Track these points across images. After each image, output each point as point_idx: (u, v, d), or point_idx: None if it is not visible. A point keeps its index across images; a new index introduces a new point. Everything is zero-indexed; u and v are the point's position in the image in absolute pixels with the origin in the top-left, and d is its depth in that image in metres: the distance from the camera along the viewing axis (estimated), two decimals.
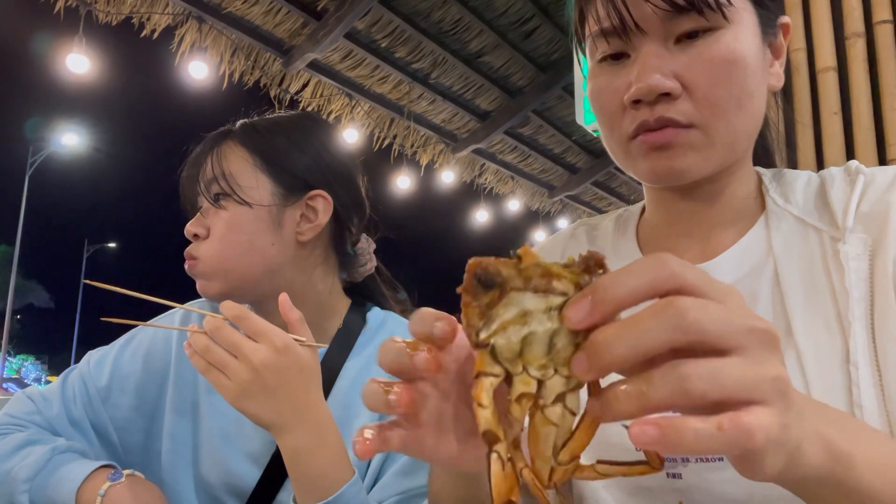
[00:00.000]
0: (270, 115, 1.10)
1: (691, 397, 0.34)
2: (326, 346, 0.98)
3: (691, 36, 0.64)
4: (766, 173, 0.76)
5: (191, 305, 1.14)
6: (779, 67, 0.72)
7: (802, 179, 0.74)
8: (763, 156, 0.81)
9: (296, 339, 0.83)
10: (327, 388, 0.99)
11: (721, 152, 0.67)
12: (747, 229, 0.72)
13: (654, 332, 0.34)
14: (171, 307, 1.08)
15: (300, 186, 1.02)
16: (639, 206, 0.85)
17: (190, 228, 1.01)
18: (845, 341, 0.61)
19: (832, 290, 0.64)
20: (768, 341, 0.36)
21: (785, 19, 0.73)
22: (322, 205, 1.03)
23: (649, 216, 0.81)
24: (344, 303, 1.10)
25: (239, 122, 1.07)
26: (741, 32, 0.65)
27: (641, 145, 0.67)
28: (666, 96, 0.64)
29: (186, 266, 1.01)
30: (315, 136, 1.07)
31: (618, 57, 0.68)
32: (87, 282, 0.94)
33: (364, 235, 1.12)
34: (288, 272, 1.02)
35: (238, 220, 0.99)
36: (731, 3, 0.64)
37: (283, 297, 0.85)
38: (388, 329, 1.08)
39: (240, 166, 1.01)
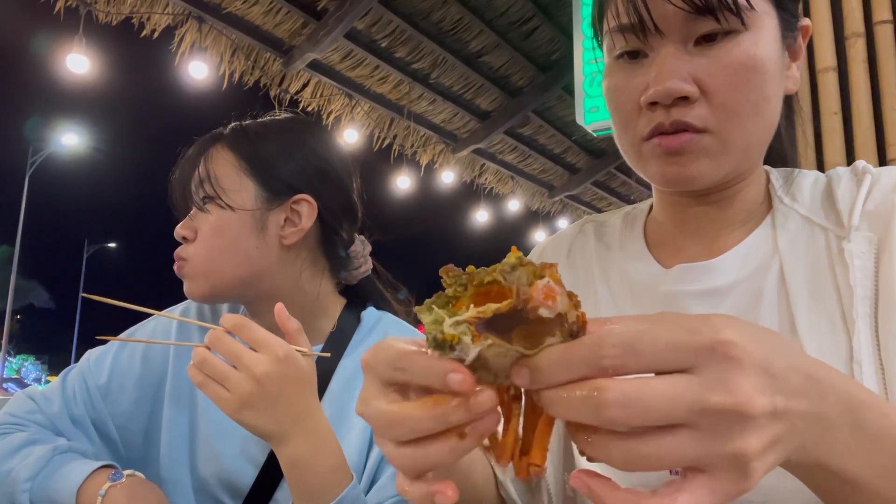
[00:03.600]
0: (262, 118, 1.10)
1: (638, 469, 0.36)
2: (328, 354, 0.99)
3: (710, 38, 0.64)
4: (774, 172, 0.76)
5: (187, 308, 1.14)
6: (795, 70, 0.71)
7: (810, 179, 0.73)
8: (777, 157, 0.81)
9: (298, 350, 0.82)
10: (320, 389, 0.99)
11: (734, 158, 0.67)
12: (755, 228, 0.72)
13: (582, 415, 0.36)
14: (168, 317, 1.09)
15: (284, 191, 1.02)
16: (647, 203, 0.84)
17: (179, 231, 1.02)
18: (849, 339, 0.61)
19: (837, 289, 0.64)
20: (729, 416, 0.35)
21: (805, 22, 0.72)
22: (306, 209, 1.03)
23: (657, 215, 0.81)
24: (337, 304, 1.10)
25: (229, 126, 1.07)
26: (761, 37, 0.64)
27: (655, 148, 0.66)
28: (683, 100, 0.64)
29: (175, 267, 1.02)
30: (304, 139, 1.07)
31: (635, 55, 0.68)
32: (86, 295, 0.95)
33: (360, 237, 1.12)
34: (273, 275, 1.02)
35: (222, 224, 0.99)
36: (752, 8, 0.63)
37: (280, 308, 0.84)
38: (381, 329, 1.08)
39: (225, 170, 1.01)
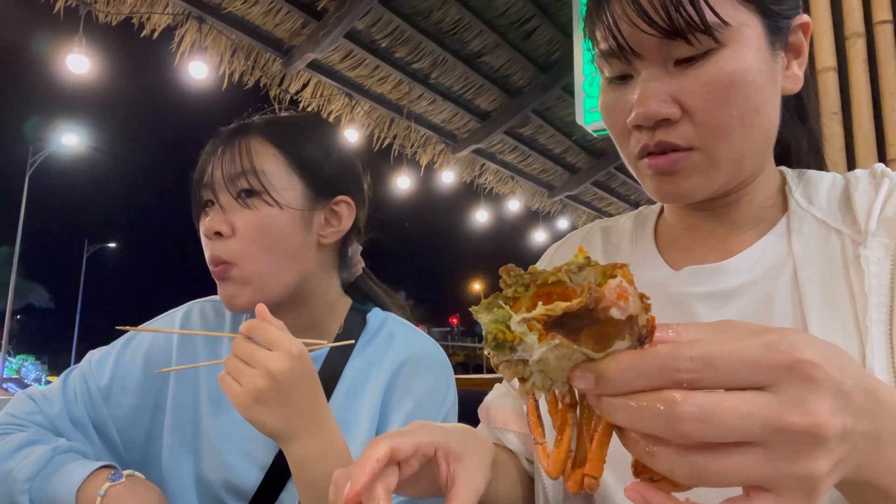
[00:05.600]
0: (288, 114, 1.11)
1: (702, 485, 0.35)
2: (353, 341, 0.99)
3: (690, 58, 0.64)
4: (790, 174, 0.75)
5: (189, 309, 1.13)
6: (797, 69, 0.71)
7: (827, 181, 0.73)
8: (792, 158, 0.80)
9: (309, 343, 0.83)
10: (328, 389, 0.99)
11: (727, 171, 0.67)
12: (768, 230, 0.72)
13: (652, 427, 0.36)
14: (199, 333, 1.08)
15: (327, 191, 1.03)
16: (658, 205, 0.85)
17: (212, 226, 0.95)
18: (862, 346, 0.60)
19: (851, 294, 0.63)
20: (803, 437, 0.35)
21: (803, 18, 0.70)
22: (345, 210, 1.04)
23: (668, 217, 0.81)
24: (344, 304, 1.10)
25: (261, 118, 1.06)
26: (740, 50, 0.63)
27: (647, 168, 0.68)
28: (665, 121, 0.64)
29: (218, 270, 0.95)
30: (335, 139, 1.09)
31: (622, 76, 0.68)
32: (120, 327, 0.99)
33: None
34: (309, 275, 1.02)
35: (272, 222, 0.96)
36: (726, 24, 0.62)
37: (261, 308, 0.83)
38: (387, 330, 1.08)
39: (274, 166, 0.99)
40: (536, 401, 0.46)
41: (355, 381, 1.02)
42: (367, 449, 0.55)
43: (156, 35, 4.84)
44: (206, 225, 0.96)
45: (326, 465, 0.81)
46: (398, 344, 1.05)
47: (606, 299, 0.35)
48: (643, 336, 0.36)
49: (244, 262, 0.95)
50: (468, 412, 0.97)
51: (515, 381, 0.40)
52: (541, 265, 0.92)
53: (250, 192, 0.96)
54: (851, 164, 1.86)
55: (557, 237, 0.99)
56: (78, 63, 4.80)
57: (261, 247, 0.95)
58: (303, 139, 1.03)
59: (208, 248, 0.97)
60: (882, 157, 1.83)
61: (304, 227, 1.00)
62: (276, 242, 0.96)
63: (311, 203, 1.01)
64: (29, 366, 37.70)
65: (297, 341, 0.81)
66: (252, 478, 0.98)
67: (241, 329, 0.82)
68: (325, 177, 1.03)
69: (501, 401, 0.88)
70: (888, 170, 0.70)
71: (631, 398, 0.36)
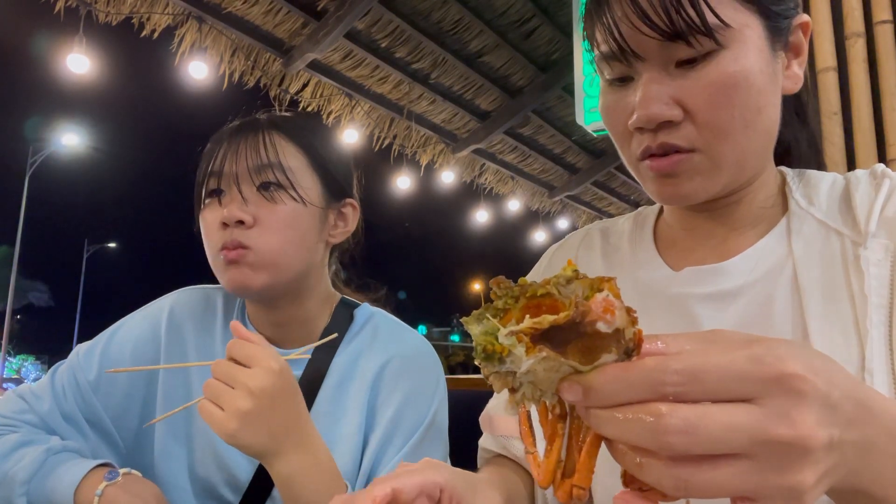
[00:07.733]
0: (298, 113, 1.13)
1: (690, 496, 0.36)
2: (335, 335, 1.00)
3: (691, 60, 0.63)
4: (790, 174, 0.75)
5: (175, 300, 1.12)
6: (797, 68, 0.70)
7: (827, 181, 0.72)
8: (792, 157, 0.80)
9: (289, 356, 0.83)
10: (316, 385, 1.00)
11: (729, 173, 0.67)
12: (768, 231, 0.71)
13: (638, 439, 0.36)
14: (179, 367, 1.07)
15: (339, 192, 1.07)
16: (657, 206, 0.85)
17: (238, 214, 0.95)
18: (862, 347, 0.60)
19: (851, 295, 0.63)
20: (789, 449, 0.35)
21: (803, 18, 0.70)
22: (351, 212, 1.09)
23: (668, 218, 0.81)
24: (334, 299, 1.12)
25: (277, 115, 1.09)
26: (741, 51, 0.63)
27: (648, 170, 0.67)
28: (667, 123, 0.64)
29: (233, 254, 0.95)
30: (339, 142, 1.12)
31: (623, 78, 0.68)
32: (109, 371, 1.01)
33: None
34: (311, 271, 1.05)
35: (296, 217, 1.00)
36: (727, 25, 0.62)
37: (236, 325, 0.83)
38: (372, 325, 1.08)
39: (298, 163, 1.02)
40: (528, 411, 0.46)
41: (342, 377, 1.02)
42: (369, 488, 0.54)
43: (156, 35, 4.83)
44: (225, 213, 0.96)
45: (313, 480, 0.81)
46: (383, 340, 1.06)
47: (593, 313, 0.35)
48: (630, 349, 0.37)
49: (265, 251, 0.96)
50: (467, 412, 0.97)
51: (506, 392, 0.40)
52: (539, 266, 0.92)
53: (276, 186, 0.98)
54: (851, 164, 1.85)
55: (557, 237, 1.00)
56: (78, 63, 4.79)
57: (284, 239, 0.98)
58: (320, 140, 1.07)
59: (222, 234, 0.96)
60: (882, 157, 1.82)
61: (319, 225, 1.04)
62: (297, 236, 1.00)
63: (327, 203, 1.05)
64: (29, 366, 37.69)
65: (277, 356, 0.80)
66: (245, 469, 0.98)
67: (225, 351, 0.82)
68: (339, 179, 1.07)
69: (503, 408, 0.88)
70: (888, 170, 0.70)
71: (618, 410, 0.36)
